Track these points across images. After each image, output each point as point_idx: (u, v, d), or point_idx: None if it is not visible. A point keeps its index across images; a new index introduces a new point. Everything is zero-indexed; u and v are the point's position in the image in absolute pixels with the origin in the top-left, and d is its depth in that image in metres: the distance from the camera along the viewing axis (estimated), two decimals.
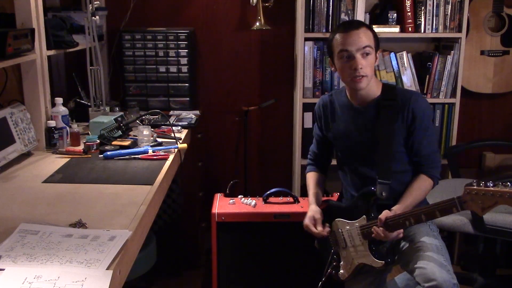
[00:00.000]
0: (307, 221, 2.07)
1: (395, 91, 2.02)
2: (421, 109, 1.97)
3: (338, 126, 2.09)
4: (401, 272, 2.30)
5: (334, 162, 2.29)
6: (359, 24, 1.95)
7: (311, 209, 2.09)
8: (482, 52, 3.06)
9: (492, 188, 1.59)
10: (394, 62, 2.92)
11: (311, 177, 2.24)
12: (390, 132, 1.96)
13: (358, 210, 1.99)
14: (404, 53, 2.93)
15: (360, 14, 2.86)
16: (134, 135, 2.38)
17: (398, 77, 2.94)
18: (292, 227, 2.47)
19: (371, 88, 2.00)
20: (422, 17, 2.89)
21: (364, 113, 2.02)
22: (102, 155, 2.13)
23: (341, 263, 2.07)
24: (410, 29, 2.90)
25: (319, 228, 2.03)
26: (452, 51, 2.91)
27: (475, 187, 1.63)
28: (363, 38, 1.91)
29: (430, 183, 2.00)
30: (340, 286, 2.15)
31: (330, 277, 2.11)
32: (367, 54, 1.91)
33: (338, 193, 2.32)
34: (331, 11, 2.87)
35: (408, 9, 2.88)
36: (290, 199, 2.61)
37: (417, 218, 1.79)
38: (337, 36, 1.95)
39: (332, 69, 2.05)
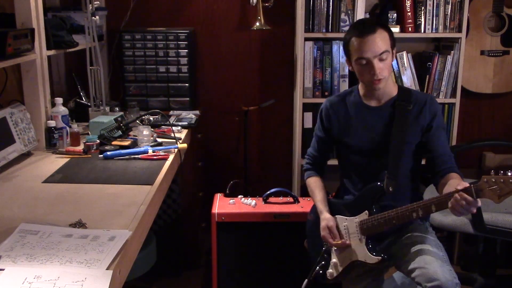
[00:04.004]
0: (323, 232, 2.05)
1: (411, 92, 2.05)
2: (438, 110, 2.02)
3: (351, 125, 2.10)
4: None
5: (332, 162, 2.29)
6: (375, 26, 1.93)
7: (323, 217, 2.07)
8: (482, 52, 3.06)
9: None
10: (394, 62, 2.91)
11: (314, 183, 2.21)
12: (405, 132, 1.98)
13: (360, 206, 1.99)
14: (404, 53, 2.93)
15: (360, 14, 2.86)
16: (134, 135, 2.38)
17: (398, 77, 2.94)
18: (292, 227, 2.48)
19: (388, 87, 2.03)
20: (422, 17, 2.89)
21: (380, 112, 2.04)
22: (102, 155, 2.13)
23: (332, 261, 2.07)
24: (410, 29, 2.90)
25: (337, 239, 2.02)
26: (452, 51, 2.91)
27: (493, 175, 1.63)
28: (380, 43, 1.91)
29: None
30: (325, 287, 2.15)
31: (316, 278, 2.11)
32: (385, 57, 1.93)
33: (334, 193, 2.32)
34: (331, 11, 2.87)
35: (408, 9, 2.88)
36: (290, 199, 2.61)
37: (427, 209, 1.78)
38: (353, 41, 1.95)
39: (350, 68, 2.06)
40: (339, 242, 2.00)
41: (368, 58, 1.91)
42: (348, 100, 2.12)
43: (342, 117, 2.12)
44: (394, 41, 1.99)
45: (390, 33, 1.98)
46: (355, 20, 2.85)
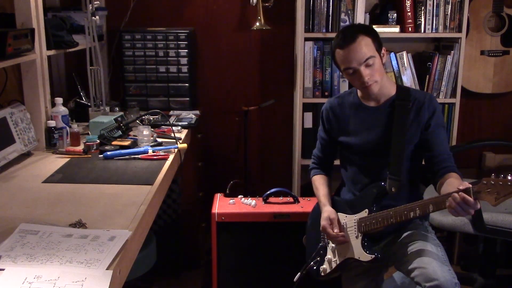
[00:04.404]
0: (324, 222, 2.05)
1: (409, 91, 2.05)
2: (437, 108, 2.01)
3: (350, 126, 2.10)
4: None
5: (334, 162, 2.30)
6: (355, 34, 1.92)
7: (325, 210, 2.08)
8: (482, 52, 3.07)
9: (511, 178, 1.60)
10: (394, 62, 2.92)
11: (318, 180, 2.23)
12: (405, 131, 1.98)
13: (360, 205, 2.00)
14: (404, 53, 2.93)
15: (360, 14, 2.86)
16: (134, 135, 2.38)
17: (398, 77, 2.94)
18: (292, 227, 2.48)
19: (385, 87, 2.03)
20: (422, 17, 2.89)
21: (379, 112, 2.04)
22: (102, 155, 2.13)
23: (327, 257, 2.07)
24: (410, 29, 2.90)
25: (336, 230, 2.02)
26: (452, 51, 2.91)
27: (493, 178, 1.62)
28: (363, 50, 1.90)
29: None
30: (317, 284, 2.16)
31: (309, 273, 2.11)
32: (371, 63, 1.92)
33: (333, 193, 2.32)
34: (331, 11, 2.87)
35: (408, 9, 2.88)
36: (290, 199, 2.61)
37: (424, 209, 1.78)
38: (338, 52, 1.96)
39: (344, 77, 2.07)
40: (339, 234, 2.00)
41: (354, 67, 1.92)
42: (347, 101, 2.13)
43: (341, 119, 2.13)
44: (380, 43, 1.97)
45: (374, 37, 1.96)
46: (355, 20, 2.85)
